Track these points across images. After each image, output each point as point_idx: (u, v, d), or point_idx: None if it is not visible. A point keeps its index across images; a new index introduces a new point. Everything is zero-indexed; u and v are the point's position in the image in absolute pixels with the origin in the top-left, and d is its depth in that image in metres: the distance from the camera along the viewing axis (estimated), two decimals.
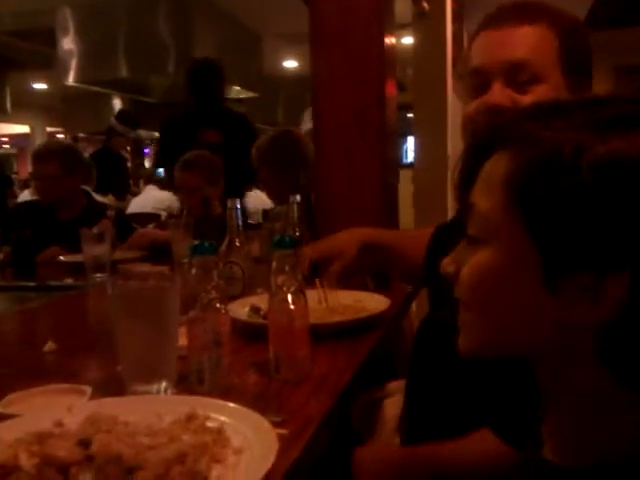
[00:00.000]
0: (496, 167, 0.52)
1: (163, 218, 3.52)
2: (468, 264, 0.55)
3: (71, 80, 5.07)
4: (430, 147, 3.40)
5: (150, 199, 4.21)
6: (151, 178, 4.71)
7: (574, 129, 0.48)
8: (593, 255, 0.46)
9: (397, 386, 1.48)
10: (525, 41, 0.98)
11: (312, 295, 1.35)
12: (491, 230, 0.52)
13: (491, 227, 0.52)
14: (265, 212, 2.26)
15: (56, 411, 0.78)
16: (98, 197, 4.23)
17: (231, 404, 0.77)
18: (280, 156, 2.32)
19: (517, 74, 0.97)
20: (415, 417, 1.17)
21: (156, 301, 0.88)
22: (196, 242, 0.94)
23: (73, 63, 5.01)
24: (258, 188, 3.52)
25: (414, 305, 2.22)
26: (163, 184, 4.13)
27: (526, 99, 0.95)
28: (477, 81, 1.01)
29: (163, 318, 0.88)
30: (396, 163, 2.01)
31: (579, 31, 1.02)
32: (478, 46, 1.03)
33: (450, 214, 3.39)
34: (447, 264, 0.59)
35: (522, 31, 0.98)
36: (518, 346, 0.56)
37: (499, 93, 0.97)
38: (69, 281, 2.02)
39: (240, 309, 1.30)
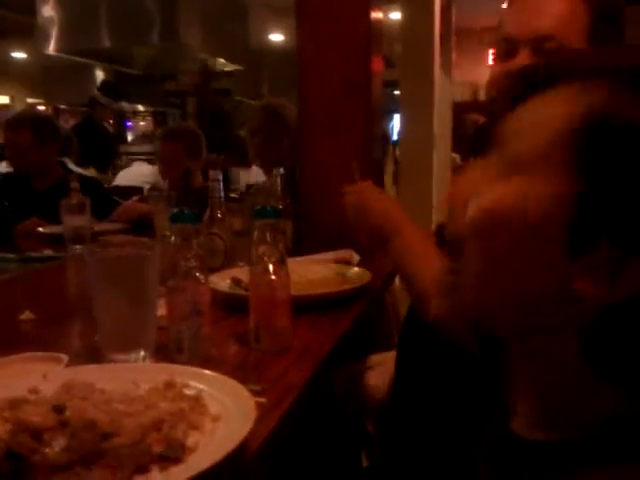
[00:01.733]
0: (556, 107, 0.48)
1: (146, 191, 3.48)
2: (484, 199, 0.50)
3: (52, 49, 4.95)
4: (416, 124, 3.38)
5: (138, 172, 4.16)
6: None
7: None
8: (631, 230, 0.44)
9: (379, 358, 1.49)
10: (556, 13, 1.00)
11: (294, 267, 1.34)
12: (537, 160, 0.47)
13: (539, 156, 0.47)
14: (248, 186, 2.25)
15: (31, 378, 0.77)
16: (79, 170, 4.18)
17: (209, 372, 0.77)
18: (268, 127, 2.30)
19: (545, 44, 0.99)
20: (405, 388, 1.17)
21: (134, 269, 0.87)
22: (176, 210, 0.92)
23: (53, 32, 4.89)
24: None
25: (397, 279, 2.23)
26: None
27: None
28: (506, 47, 1.04)
29: (141, 286, 0.87)
30: (381, 138, 2.00)
31: (613, 6, 1.03)
32: (511, 12, 1.07)
33: (435, 193, 3.39)
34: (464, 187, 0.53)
35: (550, 3, 1.00)
36: (518, 317, 0.51)
37: (526, 61, 1.00)
38: (48, 252, 1.99)
39: (221, 281, 1.29)
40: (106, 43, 5.02)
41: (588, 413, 0.50)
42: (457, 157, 5.31)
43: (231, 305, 1.16)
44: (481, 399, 0.98)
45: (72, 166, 3.89)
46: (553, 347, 0.50)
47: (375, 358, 1.49)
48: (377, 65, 1.84)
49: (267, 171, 2.43)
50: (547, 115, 0.48)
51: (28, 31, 5.76)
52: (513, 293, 0.50)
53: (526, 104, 0.50)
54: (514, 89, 0.52)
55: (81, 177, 2.88)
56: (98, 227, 2.23)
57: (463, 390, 1.01)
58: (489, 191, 0.50)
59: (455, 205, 0.53)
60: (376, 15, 1.82)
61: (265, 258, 0.95)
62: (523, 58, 1.00)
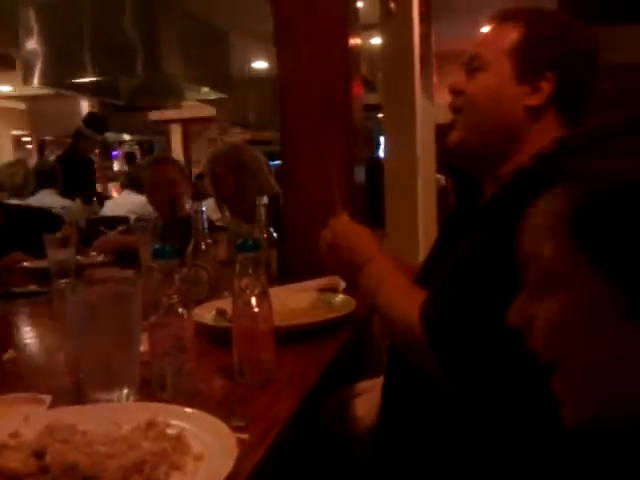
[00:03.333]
0: (553, 206, 0.50)
1: (132, 222, 3.48)
2: (542, 319, 0.52)
3: (36, 82, 4.95)
4: (399, 147, 3.42)
5: (126, 203, 4.16)
6: (129, 182, 4.62)
7: (635, 157, 0.47)
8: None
9: (367, 385, 1.49)
10: (484, 36, 1.11)
11: (279, 296, 1.34)
12: (558, 277, 0.50)
13: (558, 274, 0.50)
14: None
15: (13, 420, 0.76)
16: (65, 201, 4.17)
17: (191, 410, 0.76)
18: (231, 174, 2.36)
19: (470, 63, 1.10)
20: (391, 415, 1.17)
21: (117, 306, 0.87)
22: (157, 246, 0.93)
23: (38, 65, 4.91)
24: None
25: None
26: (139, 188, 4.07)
27: (470, 82, 1.09)
28: None
29: (124, 324, 0.87)
30: (363, 162, 2.01)
31: (549, 27, 1.07)
32: None
33: (420, 214, 3.41)
34: (514, 317, 0.56)
35: (491, 28, 1.11)
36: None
37: (456, 78, 1.12)
38: (33, 287, 1.98)
39: (206, 313, 1.29)
40: (90, 75, 5.04)
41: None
42: (442, 178, 5.36)
43: (216, 337, 1.16)
44: (467, 425, 0.98)
45: (65, 201, 3.88)
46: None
47: (363, 385, 1.49)
48: (357, 89, 1.87)
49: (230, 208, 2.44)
50: (547, 222, 0.51)
51: (12, 64, 5.78)
52: None
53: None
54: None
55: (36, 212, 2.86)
56: (84, 260, 2.22)
57: (449, 416, 1.01)
58: (541, 313, 0.52)
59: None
60: (354, 40, 1.85)
61: (247, 291, 0.95)
62: (457, 76, 1.12)
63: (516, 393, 0.91)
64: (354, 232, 1.22)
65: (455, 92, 1.11)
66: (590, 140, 0.52)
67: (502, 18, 1.10)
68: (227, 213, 2.31)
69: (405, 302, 1.01)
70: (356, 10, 1.92)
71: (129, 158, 8.40)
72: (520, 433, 0.92)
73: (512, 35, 1.06)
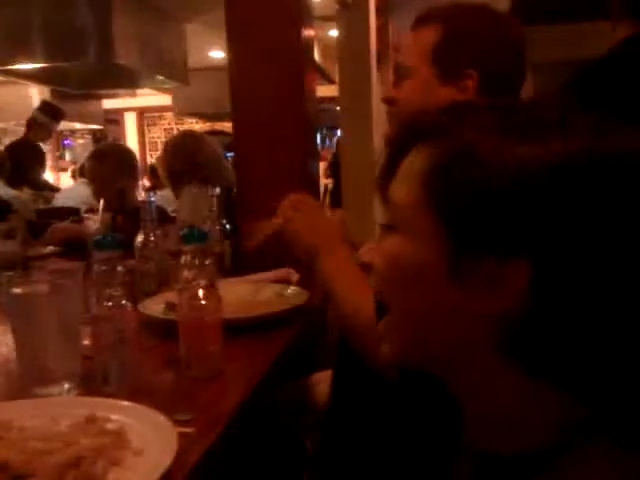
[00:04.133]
0: (413, 160, 0.54)
1: (82, 212, 3.39)
2: (380, 250, 0.56)
3: None
4: (356, 140, 3.42)
5: (80, 192, 4.04)
6: (82, 171, 4.49)
7: (487, 129, 0.50)
8: (494, 240, 0.48)
9: (320, 376, 1.49)
10: (406, 44, 1.14)
11: (231, 287, 1.33)
12: (405, 219, 0.54)
13: (405, 216, 0.54)
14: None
15: None
16: (13, 192, 4.04)
17: (132, 404, 0.75)
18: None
19: (396, 73, 1.15)
20: (340, 406, 1.17)
21: (54, 299, 0.84)
22: (100, 237, 0.90)
23: None
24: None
25: None
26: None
27: (398, 90, 1.12)
28: None
29: (62, 316, 0.84)
30: (317, 155, 2.01)
31: (471, 30, 1.08)
32: None
33: (377, 207, 3.44)
34: (364, 253, 0.60)
35: (413, 35, 1.12)
36: (434, 348, 0.55)
37: (386, 88, 1.14)
38: None
39: (155, 305, 1.27)
40: (40, 61, 4.88)
41: (537, 421, 0.51)
42: None
43: (165, 330, 1.14)
44: (416, 414, 0.99)
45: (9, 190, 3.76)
46: (478, 366, 0.52)
47: (317, 376, 1.49)
48: (310, 80, 1.86)
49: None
50: (407, 170, 0.55)
51: None
52: (433, 344, 0.55)
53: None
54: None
55: None
56: (31, 252, 2.15)
57: (398, 405, 1.02)
58: (382, 246, 0.57)
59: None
60: (307, 31, 1.84)
61: (194, 283, 0.93)
62: (387, 86, 1.15)
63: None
64: (318, 215, 1.21)
65: (388, 102, 1.15)
66: (457, 109, 0.55)
67: (421, 20, 1.12)
68: None
69: (359, 297, 0.99)
70: (309, 1, 1.90)
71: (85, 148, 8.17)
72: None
73: (430, 37, 1.08)
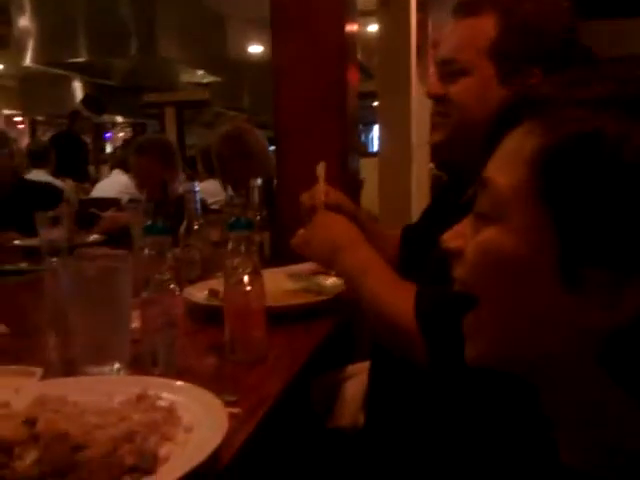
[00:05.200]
0: (522, 141, 0.47)
1: (124, 202, 3.47)
2: (475, 241, 0.50)
3: (28, 61, 4.92)
4: (394, 136, 3.41)
5: (116, 183, 4.14)
6: (119, 163, 4.60)
7: (609, 107, 0.44)
8: (618, 252, 0.42)
9: (357, 368, 1.50)
10: (458, 36, 1.06)
11: (270, 277, 1.35)
12: (507, 208, 0.47)
13: (507, 205, 0.47)
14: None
15: (3, 392, 0.77)
16: (57, 182, 4.15)
17: (183, 383, 0.77)
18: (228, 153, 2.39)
19: (446, 68, 1.07)
20: (379, 398, 1.18)
21: (108, 281, 0.87)
22: (149, 223, 0.93)
23: (30, 43, 4.86)
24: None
25: None
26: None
27: (453, 88, 1.06)
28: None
29: (114, 298, 0.87)
30: (356, 150, 2.01)
31: (525, 17, 1.02)
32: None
33: (414, 203, 3.42)
34: (450, 238, 0.54)
35: (463, 25, 1.05)
36: (529, 352, 0.49)
37: (433, 84, 1.10)
38: (24, 265, 1.97)
39: (198, 292, 1.29)
40: (84, 55, 5.00)
41: (632, 438, 0.47)
42: (433, 167, 5.37)
43: (208, 316, 1.16)
44: (454, 408, 0.99)
45: (56, 181, 3.88)
46: (572, 373, 0.48)
47: (353, 368, 1.50)
48: (352, 76, 1.87)
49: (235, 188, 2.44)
50: (513, 151, 0.48)
51: (4, 42, 5.72)
52: (524, 346, 0.49)
53: (500, 143, 0.50)
54: (488, 129, 0.53)
55: (43, 186, 2.91)
56: (76, 240, 2.22)
57: (434, 400, 1.02)
58: (478, 236, 0.50)
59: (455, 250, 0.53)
60: (350, 27, 1.85)
61: (239, 270, 0.95)
62: (432, 80, 1.11)
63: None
64: (333, 218, 1.19)
65: (435, 98, 1.09)
66: (569, 82, 0.48)
67: (472, 8, 1.04)
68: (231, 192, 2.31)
69: (394, 295, 0.98)
70: None
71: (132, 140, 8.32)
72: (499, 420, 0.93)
73: (487, 31, 1.01)
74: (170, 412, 0.69)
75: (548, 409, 0.52)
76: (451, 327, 0.85)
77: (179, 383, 0.77)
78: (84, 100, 5.33)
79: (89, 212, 2.92)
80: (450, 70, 1.06)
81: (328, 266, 1.13)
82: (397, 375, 1.11)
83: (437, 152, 1.16)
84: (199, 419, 0.68)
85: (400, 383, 1.10)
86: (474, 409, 0.96)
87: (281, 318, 1.13)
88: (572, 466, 0.50)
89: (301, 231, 1.23)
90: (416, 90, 3.44)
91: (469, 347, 0.52)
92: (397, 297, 0.97)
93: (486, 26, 1.02)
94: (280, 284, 1.39)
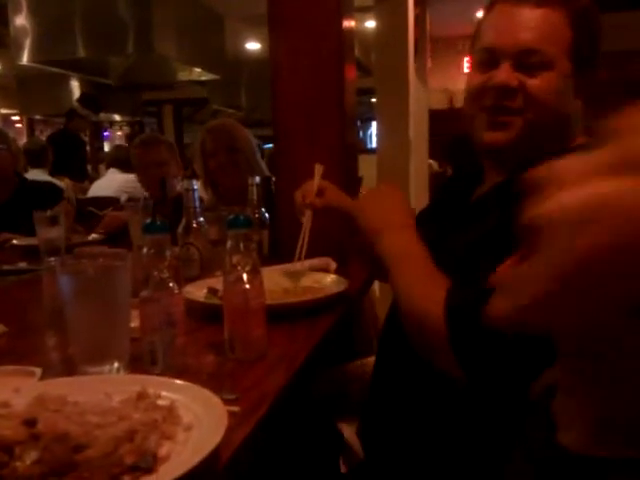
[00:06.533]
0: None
1: (122, 201, 3.47)
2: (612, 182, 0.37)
3: (25, 60, 4.90)
4: (392, 132, 3.41)
5: (112, 182, 4.13)
6: (115, 161, 4.60)
7: None
8: None
9: (358, 365, 1.50)
10: (539, 27, 0.99)
11: (269, 275, 1.35)
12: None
13: None
14: None
15: (3, 392, 0.76)
16: (55, 181, 4.15)
17: (182, 382, 0.77)
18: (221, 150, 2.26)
19: (527, 58, 0.99)
20: (382, 394, 1.18)
21: (106, 280, 0.87)
22: (148, 221, 0.93)
23: (27, 42, 4.84)
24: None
25: (377, 288, 2.24)
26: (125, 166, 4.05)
27: (534, 82, 0.99)
28: (486, 57, 1.03)
29: (113, 297, 0.87)
30: (355, 147, 2.01)
31: (592, 18, 1.02)
32: (492, 22, 1.04)
33: (413, 199, 3.42)
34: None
35: (537, 14, 0.99)
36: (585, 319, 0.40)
37: (507, 74, 1.00)
38: (23, 265, 1.97)
39: (197, 291, 1.29)
40: (81, 53, 4.99)
41: None
42: (434, 164, 5.37)
43: (207, 315, 1.16)
44: (458, 404, 0.99)
45: (54, 180, 3.88)
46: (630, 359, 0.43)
47: (354, 364, 1.50)
48: (350, 72, 1.86)
49: (218, 188, 2.32)
50: None
51: (1, 42, 5.71)
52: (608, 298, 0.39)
53: None
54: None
55: (44, 185, 2.92)
56: (74, 239, 2.22)
57: (440, 395, 1.02)
58: (604, 183, 0.38)
59: (548, 189, 0.41)
60: (348, 23, 1.84)
61: (238, 267, 0.95)
62: (504, 70, 1.00)
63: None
64: (391, 194, 1.13)
65: (510, 89, 1.00)
66: None
67: (543, 1, 0.99)
68: (212, 195, 2.25)
69: (427, 288, 0.94)
70: None
71: (130, 138, 8.28)
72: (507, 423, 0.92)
73: (564, 28, 0.98)
74: (170, 411, 0.69)
75: (569, 383, 0.47)
76: (483, 332, 0.78)
77: (178, 382, 0.77)
78: (81, 98, 5.32)
79: (87, 211, 2.92)
80: (531, 62, 0.99)
81: (370, 241, 1.06)
82: (402, 374, 1.10)
83: (501, 157, 1.05)
84: (199, 418, 0.68)
85: (405, 383, 1.09)
86: (485, 417, 0.95)
87: (281, 316, 1.13)
88: (577, 451, 0.48)
89: (363, 195, 1.19)
90: (414, 86, 3.44)
91: (499, 301, 0.41)
92: (429, 293, 0.92)
93: (562, 22, 0.99)
94: (279, 282, 1.39)
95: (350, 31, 1.87)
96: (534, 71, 0.99)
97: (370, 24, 4.47)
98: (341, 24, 1.78)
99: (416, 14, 3.48)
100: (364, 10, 4.18)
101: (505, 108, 1.01)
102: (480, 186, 1.14)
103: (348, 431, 1.24)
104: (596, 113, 1.04)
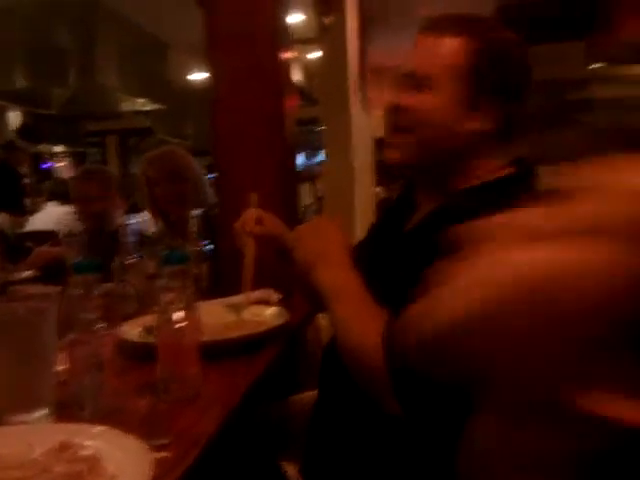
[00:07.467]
0: None
1: (61, 235, 3.37)
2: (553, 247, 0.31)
3: None
4: (336, 160, 3.45)
5: (52, 215, 4.01)
6: (54, 195, 4.46)
7: None
8: None
9: (300, 398, 1.48)
10: (428, 51, 1.05)
11: (209, 309, 1.33)
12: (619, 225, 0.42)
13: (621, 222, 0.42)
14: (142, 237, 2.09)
15: None
16: None
17: (106, 429, 0.74)
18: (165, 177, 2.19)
19: (409, 80, 1.05)
20: (323, 432, 1.15)
21: (28, 324, 0.83)
22: (77, 260, 0.90)
23: None
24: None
25: (323, 319, 2.23)
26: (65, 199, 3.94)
27: (409, 100, 1.04)
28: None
29: (36, 342, 0.83)
30: (295, 176, 2.02)
31: (502, 47, 1.04)
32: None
33: (358, 226, 3.45)
34: None
35: (435, 42, 1.04)
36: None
37: (391, 94, 1.07)
38: None
39: (133, 329, 1.26)
40: (21, 83, 4.88)
41: None
42: (381, 191, 5.44)
43: (141, 354, 1.13)
44: (400, 439, 0.98)
45: None
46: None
47: (295, 399, 1.48)
48: (289, 102, 1.88)
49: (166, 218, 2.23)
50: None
51: None
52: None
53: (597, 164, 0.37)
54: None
55: None
56: (9, 276, 2.13)
57: (382, 429, 1.01)
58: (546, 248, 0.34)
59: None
60: (285, 54, 1.87)
61: (172, 305, 0.93)
62: (389, 91, 1.07)
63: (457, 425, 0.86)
64: (327, 227, 1.13)
65: (401, 109, 1.05)
66: None
67: (440, 29, 1.04)
68: (161, 224, 2.20)
69: (364, 323, 0.94)
70: (284, 23, 1.93)
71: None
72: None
73: (456, 52, 1.02)
74: (94, 461, 0.67)
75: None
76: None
77: (102, 428, 0.74)
78: (19, 130, 5.19)
79: (25, 246, 2.83)
80: (414, 83, 1.04)
81: (305, 275, 1.05)
82: (343, 408, 1.09)
83: (397, 171, 1.12)
84: (123, 467, 0.66)
85: (346, 417, 1.08)
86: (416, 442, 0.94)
87: (220, 352, 1.11)
88: None
89: (300, 226, 1.18)
90: (356, 115, 3.50)
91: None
92: (366, 328, 0.93)
93: (455, 47, 1.02)
94: (221, 316, 1.37)
95: (288, 62, 1.89)
96: (419, 90, 1.04)
97: (318, 55, 4.54)
98: (277, 55, 1.81)
99: (358, 46, 3.56)
100: (310, 42, 4.25)
101: (396, 128, 1.07)
102: (415, 213, 1.15)
103: (291, 469, 1.21)
104: (520, 141, 1.08)
